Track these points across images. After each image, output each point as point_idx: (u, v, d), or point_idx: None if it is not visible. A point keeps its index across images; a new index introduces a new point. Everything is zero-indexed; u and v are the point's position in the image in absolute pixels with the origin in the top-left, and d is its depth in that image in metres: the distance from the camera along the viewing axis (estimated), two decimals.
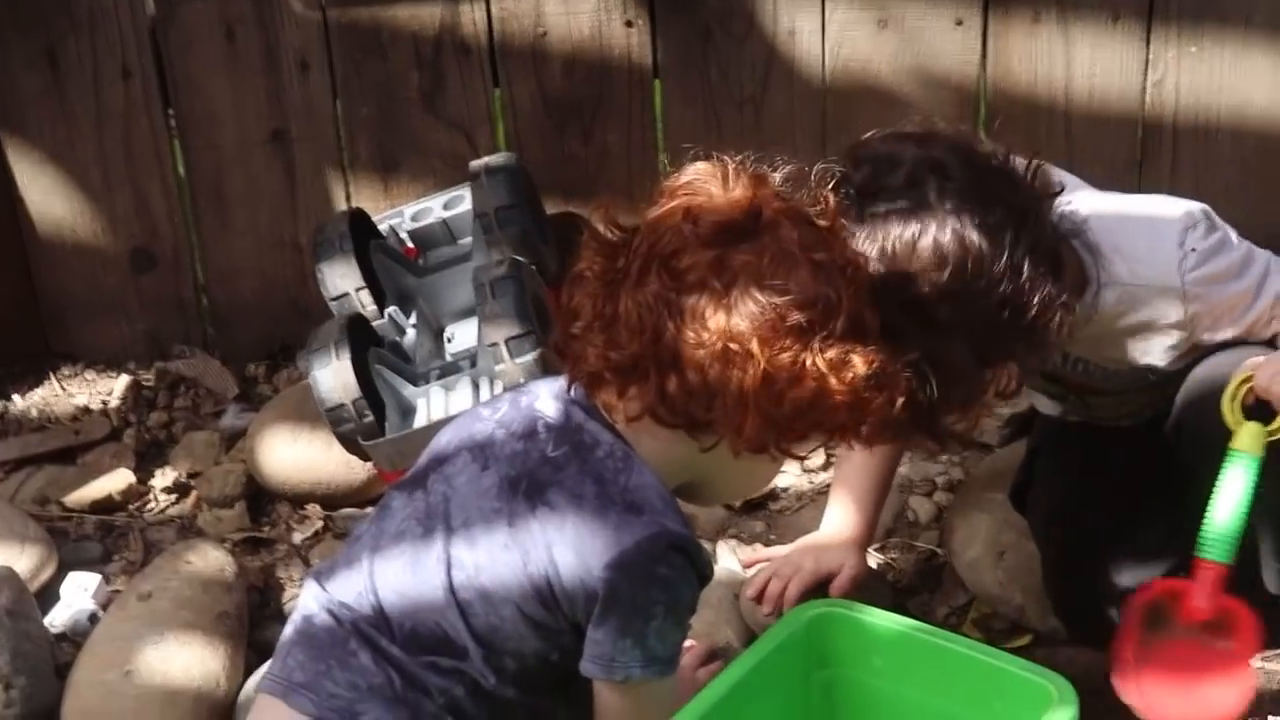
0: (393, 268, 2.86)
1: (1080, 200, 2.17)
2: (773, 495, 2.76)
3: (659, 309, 1.78)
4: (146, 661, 2.31)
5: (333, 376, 2.59)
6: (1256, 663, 2.38)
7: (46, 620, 2.50)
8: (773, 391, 1.77)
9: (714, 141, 2.98)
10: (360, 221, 2.89)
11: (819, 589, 2.36)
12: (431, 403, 2.62)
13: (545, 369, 2.51)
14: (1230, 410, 2.08)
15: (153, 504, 2.84)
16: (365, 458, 2.68)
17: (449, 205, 2.97)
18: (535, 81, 3.03)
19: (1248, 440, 2.07)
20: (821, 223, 1.83)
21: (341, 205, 3.09)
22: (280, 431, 2.80)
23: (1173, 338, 2.17)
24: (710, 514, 2.71)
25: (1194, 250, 2.13)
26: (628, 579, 1.79)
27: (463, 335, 2.78)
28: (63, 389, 3.14)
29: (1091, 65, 2.98)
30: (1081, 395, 2.32)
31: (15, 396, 3.12)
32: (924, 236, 1.92)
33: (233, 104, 3.04)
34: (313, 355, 2.63)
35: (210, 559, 2.50)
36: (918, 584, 2.55)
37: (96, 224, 3.12)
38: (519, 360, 2.55)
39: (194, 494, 2.84)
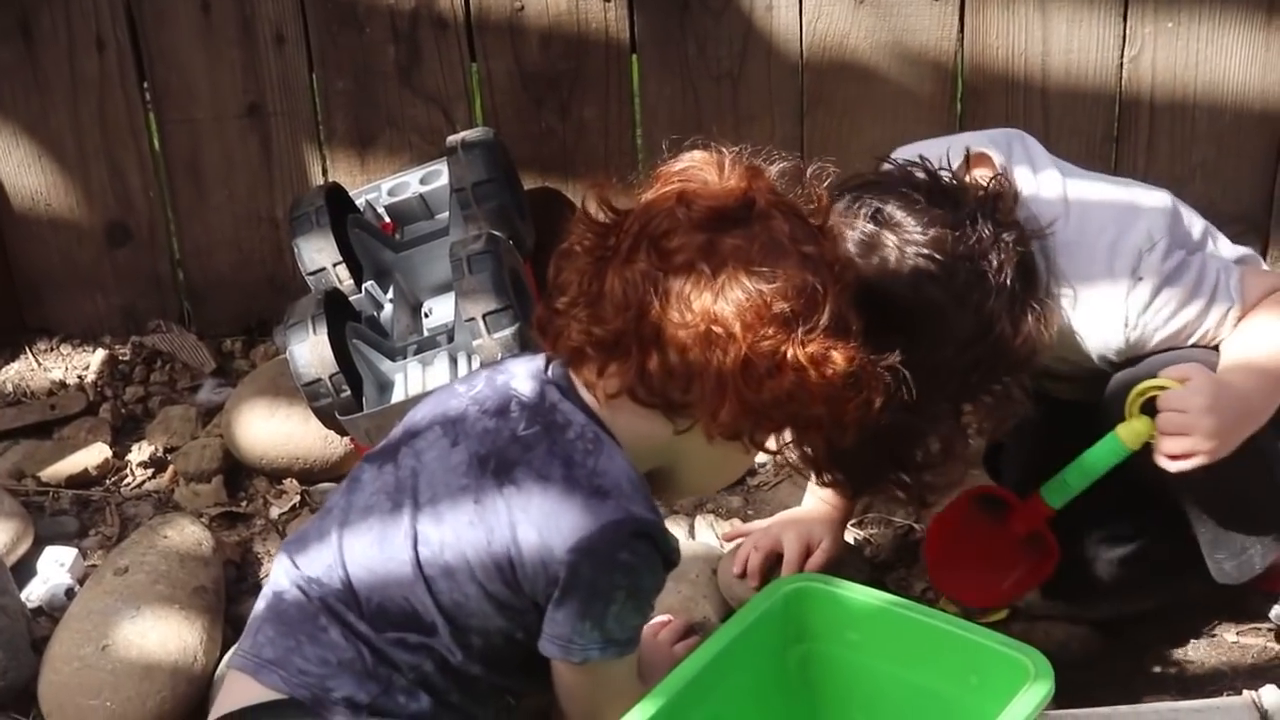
0: (370, 243, 2.86)
1: (1046, 184, 2.17)
2: (751, 471, 2.76)
3: (645, 287, 1.79)
4: (123, 636, 2.31)
5: (310, 351, 2.59)
6: (1229, 636, 2.40)
7: (23, 595, 2.50)
8: (751, 378, 1.78)
9: (691, 117, 3.03)
10: (337, 196, 2.88)
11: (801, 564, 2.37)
12: (409, 378, 2.61)
13: (523, 344, 2.51)
14: (1132, 402, 2.12)
15: (129, 478, 2.83)
16: (342, 432, 2.68)
17: (426, 180, 2.97)
18: (512, 56, 3.02)
19: (1129, 434, 2.13)
20: (814, 221, 1.85)
21: (318, 180, 3.08)
22: (257, 406, 2.80)
23: (1111, 354, 2.19)
24: None
25: (1143, 280, 2.13)
26: (590, 563, 1.80)
27: (440, 310, 2.78)
28: (38, 363, 3.13)
29: (1068, 41, 2.98)
30: (1037, 379, 2.33)
31: None
32: (908, 257, 1.98)
33: (208, 77, 3.02)
34: (290, 330, 2.62)
35: (187, 533, 2.49)
36: (894, 559, 2.56)
37: (71, 197, 3.10)
38: (496, 335, 2.54)
39: (171, 468, 2.84)
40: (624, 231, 1.83)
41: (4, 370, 3.11)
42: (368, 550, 1.88)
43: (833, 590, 1.97)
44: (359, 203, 2.95)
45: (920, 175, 2.07)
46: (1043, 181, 2.18)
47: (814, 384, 1.79)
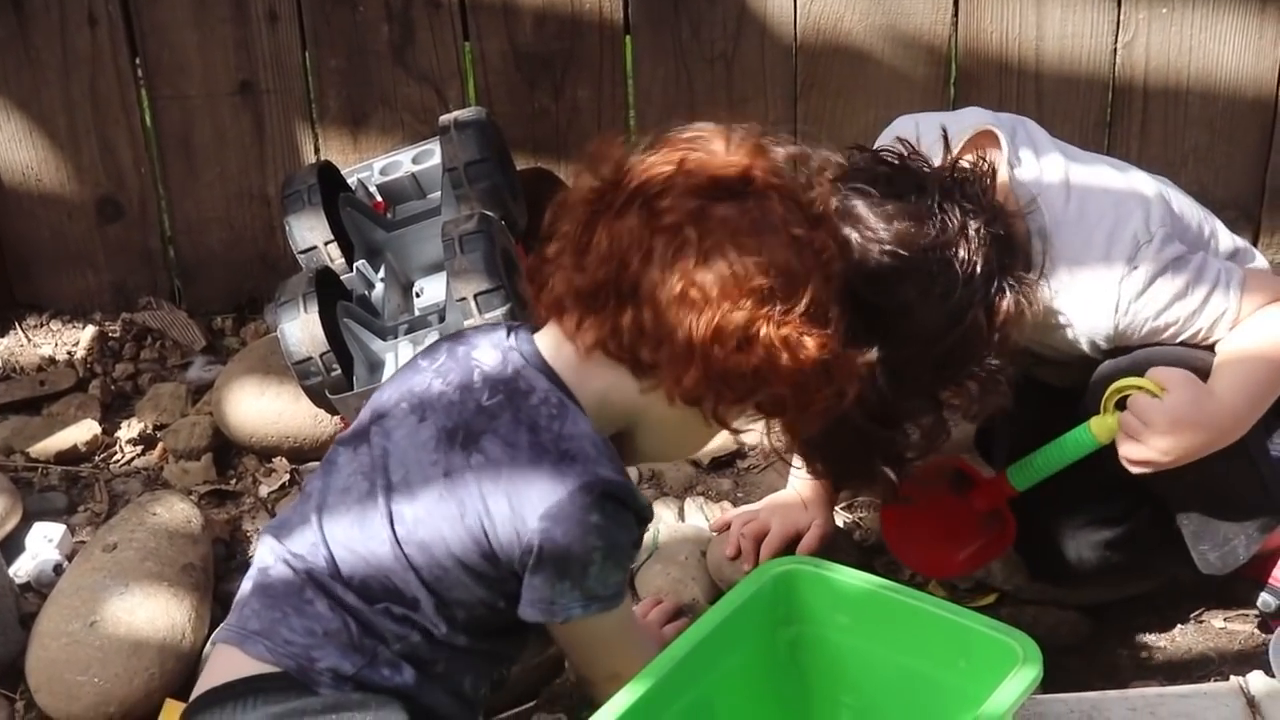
0: (361, 221, 2.85)
1: (1049, 167, 2.16)
2: (740, 454, 2.77)
3: (630, 242, 1.81)
4: (111, 612, 2.31)
5: (301, 330, 2.58)
6: (1217, 622, 2.41)
7: (11, 570, 2.49)
8: (721, 347, 1.79)
9: (685, 99, 3.02)
10: (329, 174, 2.88)
11: (788, 548, 2.37)
12: (400, 357, 2.61)
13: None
14: (1108, 398, 2.13)
15: (118, 455, 2.83)
16: (333, 411, 2.67)
17: (418, 159, 2.96)
18: (506, 36, 3.01)
19: (1100, 428, 2.14)
20: (811, 208, 1.85)
21: (310, 158, 3.08)
22: (247, 384, 2.79)
23: (1100, 340, 2.18)
24: (677, 472, 2.72)
25: (1138, 269, 2.12)
26: (561, 529, 1.80)
27: (431, 290, 2.77)
28: (28, 339, 3.13)
29: (1063, 25, 2.98)
30: (1027, 365, 2.33)
31: None
32: (871, 253, 1.98)
33: (201, 54, 3.01)
34: (281, 308, 2.62)
35: (176, 511, 2.49)
36: (884, 543, 2.55)
37: (62, 173, 3.10)
38: (488, 315, 2.54)
39: (160, 446, 2.83)
40: (620, 188, 1.84)
41: None
42: (348, 531, 1.88)
43: (822, 573, 1.97)
44: (351, 181, 2.94)
45: (886, 164, 2.07)
46: (1045, 164, 2.17)
47: (782, 366, 1.80)
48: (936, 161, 2.09)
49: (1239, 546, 2.25)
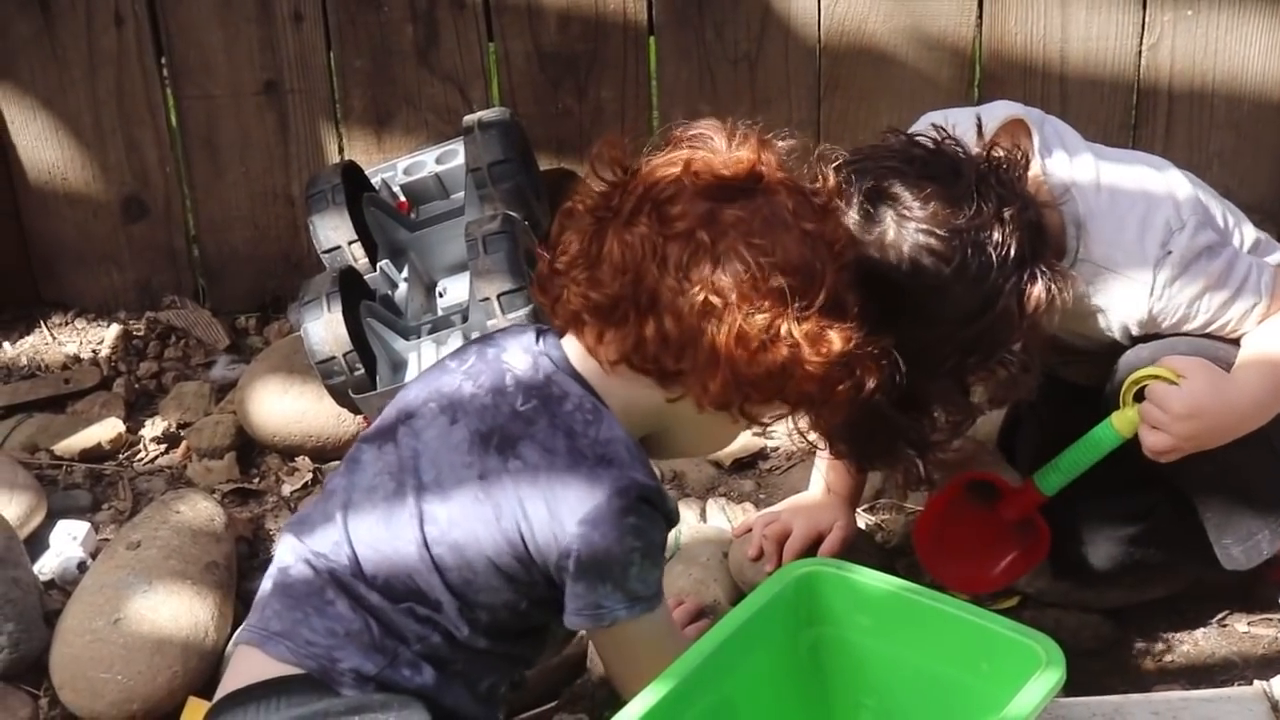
0: (385, 221, 2.86)
1: (1080, 167, 2.16)
2: (762, 454, 2.77)
3: (644, 252, 1.79)
4: (135, 610, 2.31)
5: (324, 329, 2.59)
6: (1241, 626, 2.40)
7: (35, 568, 2.50)
8: (745, 351, 1.78)
9: (708, 99, 3.02)
10: (353, 174, 2.88)
11: (810, 549, 2.37)
12: (423, 357, 2.62)
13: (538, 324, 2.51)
14: (1126, 390, 2.13)
15: (142, 453, 2.84)
16: (356, 411, 2.68)
17: (442, 159, 2.97)
18: (530, 36, 3.01)
19: (1121, 422, 2.14)
20: (818, 200, 1.85)
21: (334, 158, 3.08)
22: (271, 383, 2.80)
23: (1133, 325, 2.17)
24: (699, 473, 2.72)
25: (1172, 253, 2.11)
26: (601, 533, 1.80)
27: (455, 290, 2.78)
28: (53, 337, 3.14)
29: (1087, 28, 2.98)
30: (1051, 363, 2.32)
31: (5, 344, 3.12)
32: (906, 232, 1.97)
33: (226, 54, 3.02)
34: (304, 307, 2.63)
35: (199, 509, 2.50)
36: (906, 545, 2.55)
37: (88, 172, 3.11)
38: (511, 315, 2.54)
39: (184, 444, 2.84)
40: (627, 193, 1.83)
41: (19, 344, 3.12)
42: (373, 530, 1.88)
43: (844, 575, 1.97)
44: (375, 181, 2.95)
45: (922, 147, 2.06)
46: (1075, 155, 2.17)
47: (808, 362, 1.79)
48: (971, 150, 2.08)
49: (1263, 541, 2.24)
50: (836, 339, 1.79)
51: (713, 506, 2.61)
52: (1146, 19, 2.97)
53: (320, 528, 1.91)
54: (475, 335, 2.59)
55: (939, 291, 1.98)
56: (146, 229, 3.16)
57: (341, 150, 3.10)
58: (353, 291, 2.66)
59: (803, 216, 1.81)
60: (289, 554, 1.92)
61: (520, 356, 1.90)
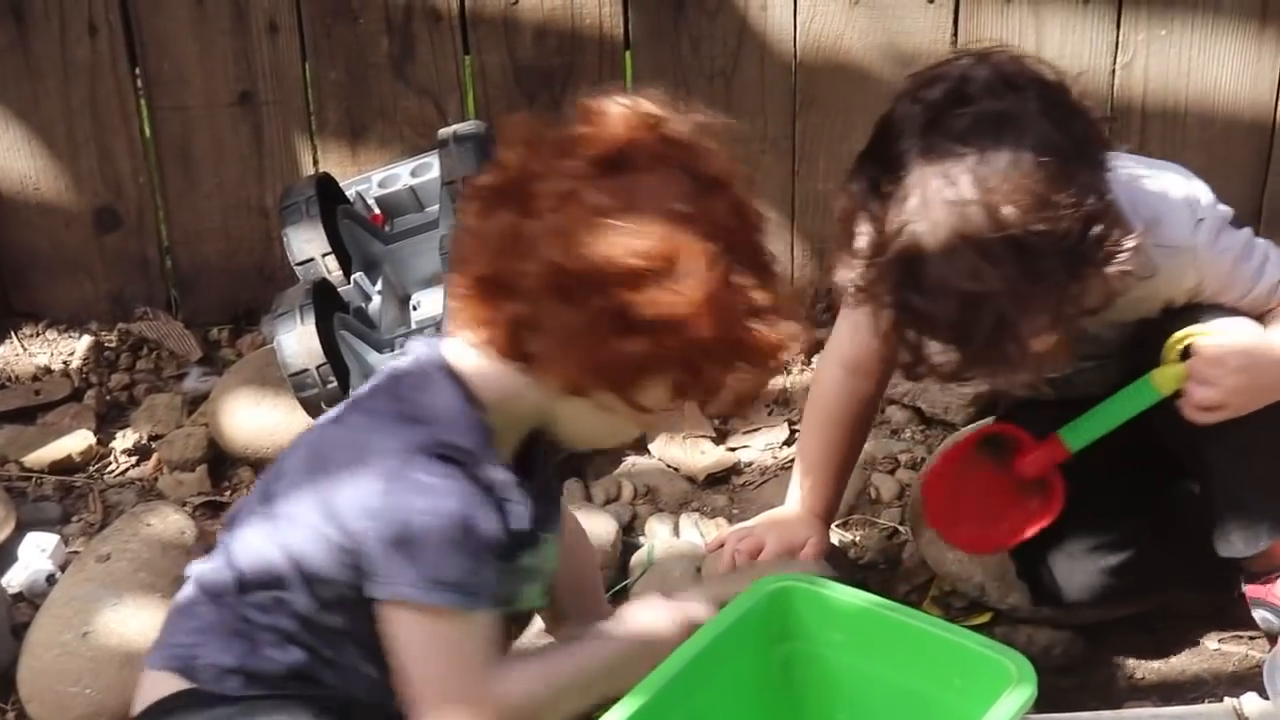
0: (359, 234, 2.85)
1: None
2: (736, 470, 2.77)
3: (504, 233, 1.75)
4: (104, 623, 2.30)
5: (297, 342, 2.58)
6: (1211, 644, 2.41)
7: (3, 580, 2.49)
8: (597, 335, 1.73)
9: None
10: (327, 186, 2.88)
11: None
12: None
13: None
14: (1170, 347, 2.12)
15: (113, 465, 2.83)
16: None
17: (417, 172, 2.96)
18: (506, 50, 3.01)
19: (1162, 378, 2.12)
20: (709, 178, 1.77)
21: (309, 170, 3.08)
22: (243, 396, 2.79)
23: (1180, 297, 2.16)
24: (672, 487, 2.72)
25: (1203, 220, 2.12)
26: (387, 483, 1.74)
27: (428, 303, 2.77)
28: (24, 348, 3.12)
29: (1061, 46, 2.99)
30: (1065, 376, 2.32)
31: None
32: (1021, 146, 1.89)
33: (201, 64, 3.02)
34: (277, 320, 2.62)
35: (170, 522, 2.48)
36: (879, 561, 2.56)
37: (61, 182, 3.10)
38: None
39: (155, 456, 2.83)
40: (510, 170, 1.78)
41: None
42: (236, 536, 1.87)
43: (817, 590, 1.97)
44: (349, 194, 2.94)
45: (1029, 85, 1.96)
46: None
47: (668, 348, 1.72)
48: None
49: (1263, 532, 2.24)
50: (703, 323, 1.70)
51: (685, 521, 2.61)
52: (1120, 38, 2.99)
53: (213, 551, 1.91)
54: None
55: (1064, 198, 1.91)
56: (119, 240, 3.15)
57: (316, 162, 3.09)
58: (326, 304, 2.65)
59: (673, 197, 1.73)
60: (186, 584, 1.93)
61: (408, 357, 1.87)
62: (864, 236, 1.98)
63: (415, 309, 2.78)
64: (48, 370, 3.05)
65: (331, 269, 2.79)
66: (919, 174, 1.92)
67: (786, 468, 2.64)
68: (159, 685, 1.86)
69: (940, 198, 1.90)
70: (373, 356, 2.65)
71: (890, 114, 2.01)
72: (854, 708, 1.98)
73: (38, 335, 3.16)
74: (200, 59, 3.01)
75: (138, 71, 3.03)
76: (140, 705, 1.88)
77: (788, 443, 2.81)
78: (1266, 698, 2.09)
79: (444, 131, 2.90)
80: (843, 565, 2.49)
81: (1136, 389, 2.15)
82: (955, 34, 2.98)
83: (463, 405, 1.80)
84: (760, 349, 1.77)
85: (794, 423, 2.83)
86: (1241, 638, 2.41)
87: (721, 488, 2.75)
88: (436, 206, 2.90)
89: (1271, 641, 2.37)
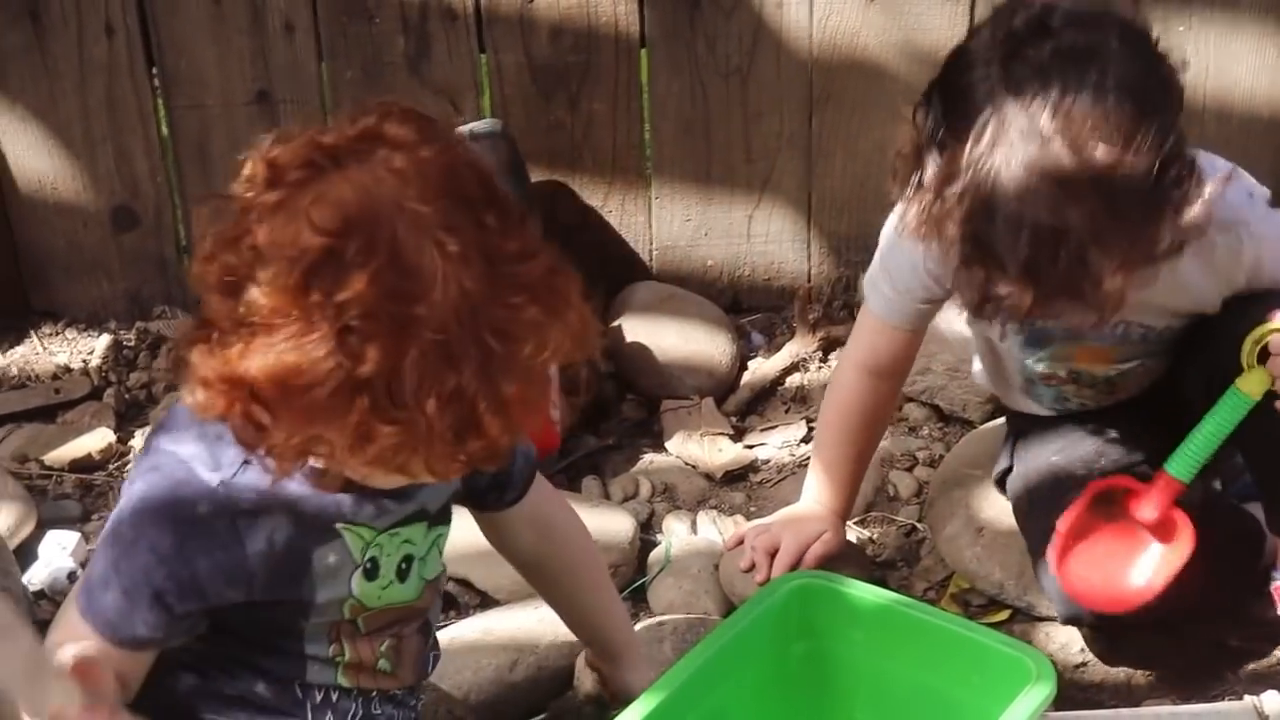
0: None
1: None
2: (753, 467, 2.77)
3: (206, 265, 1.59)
4: None
5: None
6: (1232, 641, 2.40)
7: (25, 578, 2.50)
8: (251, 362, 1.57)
9: (700, 112, 3.03)
10: None
11: (800, 562, 2.37)
12: None
13: None
14: (1249, 351, 2.09)
15: (132, 463, 2.83)
16: None
17: None
18: (522, 49, 3.02)
19: (1252, 382, 2.09)
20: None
21: None
22: None
23: (1241, 274, 2.14)
24: (690, 485, 2.72)
25: (1252, 195, 2.11)
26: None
27: None
28: (43, 347, 3.13)
29: None
30: (1107, 378, 2.31)
31: None
32: (1104, 81, 1.87)
33: (217, 64, 3.02)
34: None
35: None
36: (896, 558, 2.56)
37: (78, 181, 3.10)
38: None
39: None
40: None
41: (9, 354, 3.11)
42: None
43: (836, 588, 1.97)
44: None
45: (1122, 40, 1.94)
46: None
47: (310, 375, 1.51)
48: None
49: None
50: (294, 359, 1.50)
51: (703, 519, 2.61)
52: None
53: None
54: None
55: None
56: (137, 239, 3.15)
57: None
58: None
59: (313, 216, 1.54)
60: None
61: None
62: (931, 167, 1.94)
63: None
64: (67, 369, 3.06)
65: None
66: (997, 105, 1.88)
67: (804, 465, 2.64)
68: None
69: (1020, 130, 1.86)
70: None
71: (965, 44, 1.99)
72: (873, 705, 1.99)
73: (57, 334, 3.17)
74: (217, 58, 3.02)
75: (155, 71, 3.04)
76: None
77: (805, 440, 2.81)
78: None
79: (460, 130, 2.91)
80: (861, 563, 2.49)
81: (1226, 401, 2.10)
82: (972, 29, 2.97)
83: (198, 448, 1.73)
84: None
85: (811, 420, 2.83)
86: (1262, 636, 2.40)
87: (739, 485, 2.75)
88: None
89: None
